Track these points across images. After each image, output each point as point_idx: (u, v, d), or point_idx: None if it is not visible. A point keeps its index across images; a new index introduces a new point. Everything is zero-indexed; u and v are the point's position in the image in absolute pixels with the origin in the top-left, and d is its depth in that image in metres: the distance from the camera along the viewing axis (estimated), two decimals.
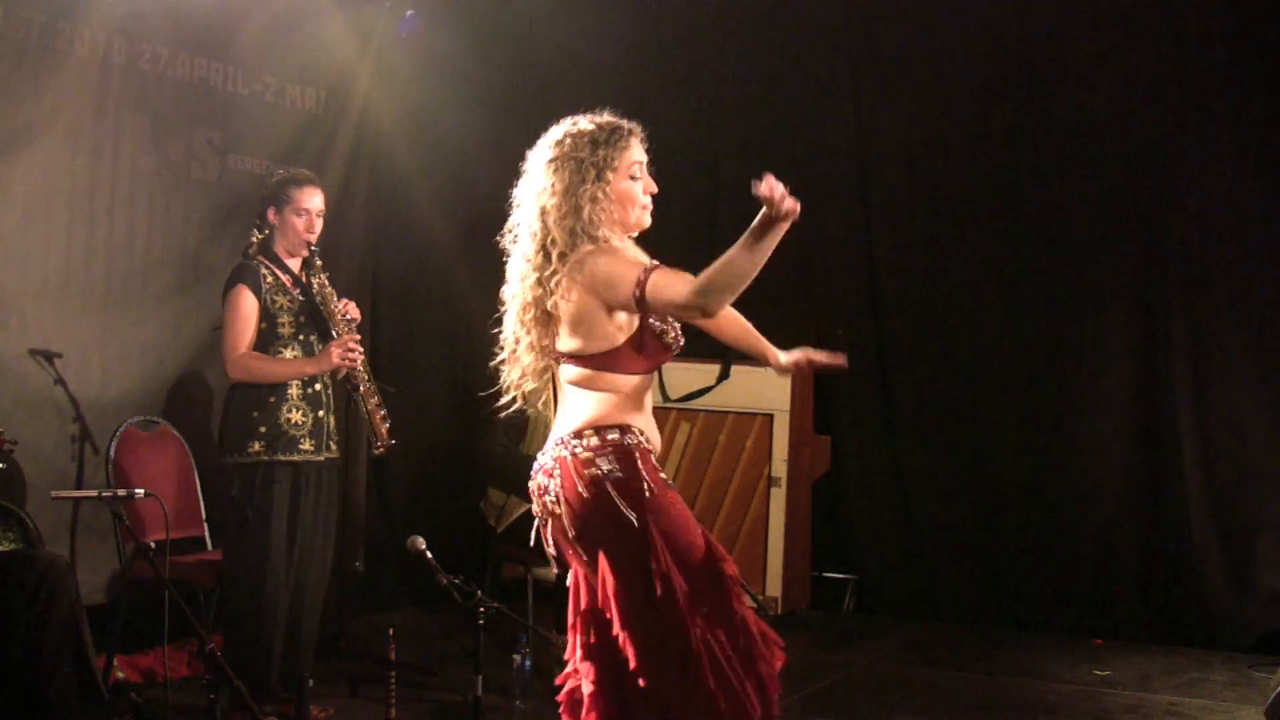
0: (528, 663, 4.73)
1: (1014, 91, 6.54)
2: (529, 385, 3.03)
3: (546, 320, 2.94)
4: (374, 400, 4.63)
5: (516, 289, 2.99)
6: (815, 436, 6.66)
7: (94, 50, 5.18)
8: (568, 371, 2.95)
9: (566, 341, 2.93)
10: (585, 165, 2.90)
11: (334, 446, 4.65)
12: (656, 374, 3.20)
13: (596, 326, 2.87)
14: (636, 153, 2.98)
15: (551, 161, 2.94)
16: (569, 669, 3.02)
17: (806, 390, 6.56)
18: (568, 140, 2.94)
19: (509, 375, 3.04)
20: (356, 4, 6.32)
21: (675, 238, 7.28)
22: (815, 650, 5.98)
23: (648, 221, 3.05)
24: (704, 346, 6.61)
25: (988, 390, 6.57)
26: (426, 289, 6.83)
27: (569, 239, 2.89)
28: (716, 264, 2.67)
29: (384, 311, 6.66)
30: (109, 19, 5.19)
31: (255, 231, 4.61)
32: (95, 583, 5.10)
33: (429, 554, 4.08)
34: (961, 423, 6.63)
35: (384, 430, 4.62)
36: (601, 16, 6.77)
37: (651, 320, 2.90)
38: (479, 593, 4.00)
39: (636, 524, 2.81)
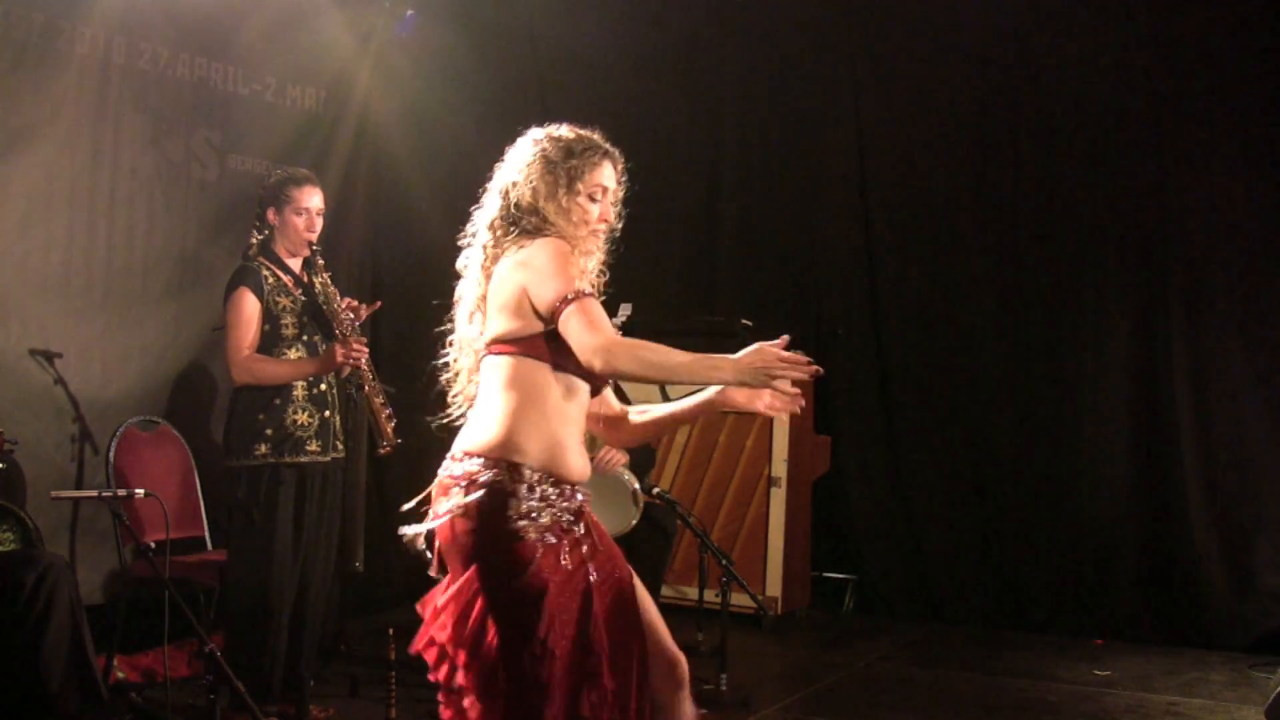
0: None
1: (1014, 92, 6.54)
2: (467, 389, 2.96)
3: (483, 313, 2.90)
4: (379, 400, 4.62)
5: (469, 281, 2.96)
6: (815, 436, 6.66)
7: (94, 50, 5.17)
8: (488, 365, 2.85)
9: (492, 324, 2.84)
10: (557, 169, 2.88)
11: (340, 446, 4.64)
12: None
13: (523, 304, 2.78)
14: (604, 176, 2.92)
15: (527, 159, 2.92)
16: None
17: (806, 390, 6.55)
18: (546, 141, 2.93)
19: (453, 378, 2.98)
20: (356, 4, 6.32)
21: (675, 238, 7.34)
22: (815, 650, 5.99)
23: (593, 248, 2.97)
24: (704, 346, 6.66)
25: (987, 390, 6.58)
26: (426, 289, 6.82)
27: (521, 220, 2.86)
28: (651, 349, 2.62)
29: (384, 311, 6.64)
30: (109, 19, 5.19)
31: (255, 232, 4.60)
32: (95, 583, 5.10)
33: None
34: (961, 423, 6.63)
35: (389, 430, 4.61)
36: (601, 16, 6.76)
37: None
38: None
39: (474, 564, 2.77)
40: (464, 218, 3.03)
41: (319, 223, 4.59)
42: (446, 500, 2.79)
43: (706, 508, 6.41)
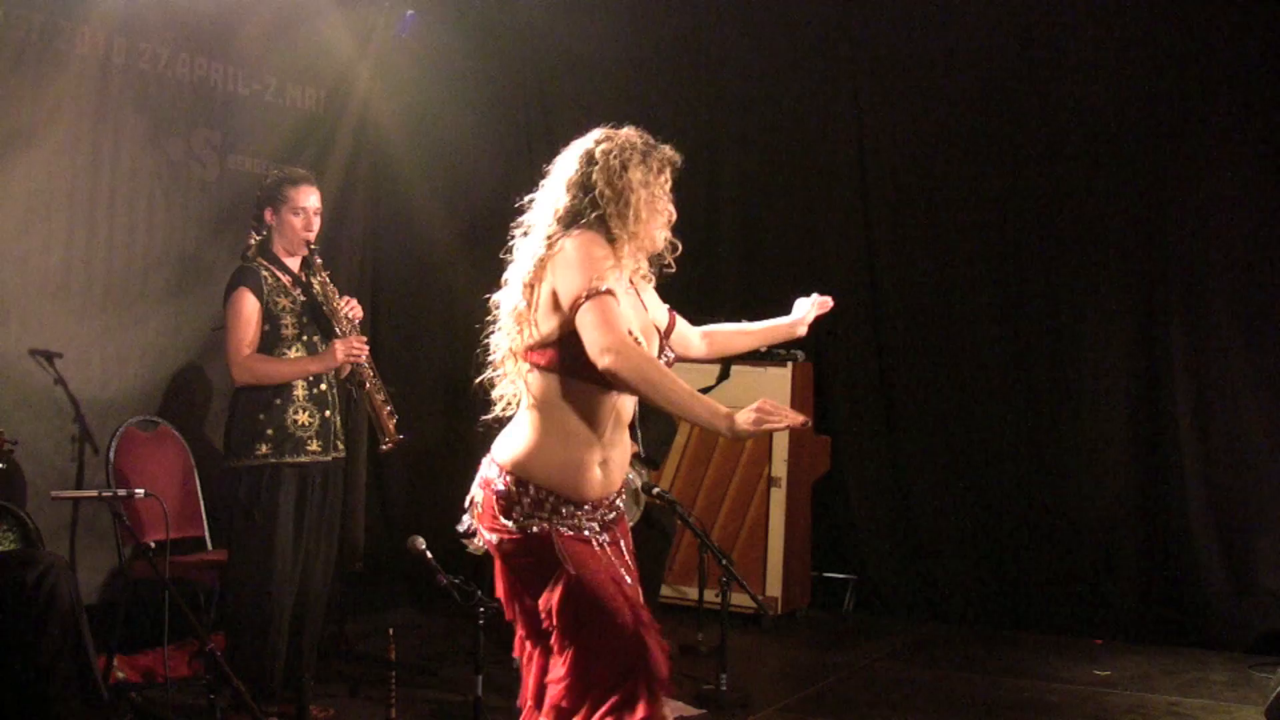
0: None
1: (1014, 92, 6.53)
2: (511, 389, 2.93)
3: (528, 319, 2.85)
4: (380, 396, 4.63)
5: (514, 286, 2.88)
6: (815, 436, 6.65)
7: (94, 50, 5.18)
8: (531, 382, 2.85)
9: (537, 329, 2.80)
10: (650, 158, 2.87)
11: (340, 446, 4.64)
12: None
13: (554, 301, 2.77)
14: (670, 177, 2.95)
15: (608, 146, 2.85)
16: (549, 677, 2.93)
17: (806, 390, 6.55)
18: (625, 133, 2.89)
19: (501, 389, 2.94)
20: (356, 4, 6.33)
21: (675, 238, 7.33)
22: (815, 650, 5.99)
23: (661, 245, 3.00)
24: None
25: (988, 390, 6.57)
26: (426, 289, 6.83)
27: (583, 213, 2.81)
28: (659, 370, 2.62)
29: (384, 311, 6.66)
30: (109, 19, 5.19)
31: (253, 233, 4.60)
32: (95, 583, 5.10)
33: (429, 554, 4.08)
34: (961, 423, 6.63)
35: (391, 426, 4.62)
36: (601, 16, 6.76)
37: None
38: (479, 593, 3.99)
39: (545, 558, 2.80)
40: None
41: (316, 222, 4.59)
42: (500, 515, 2.83)
43: (706, 508, 6.41)
